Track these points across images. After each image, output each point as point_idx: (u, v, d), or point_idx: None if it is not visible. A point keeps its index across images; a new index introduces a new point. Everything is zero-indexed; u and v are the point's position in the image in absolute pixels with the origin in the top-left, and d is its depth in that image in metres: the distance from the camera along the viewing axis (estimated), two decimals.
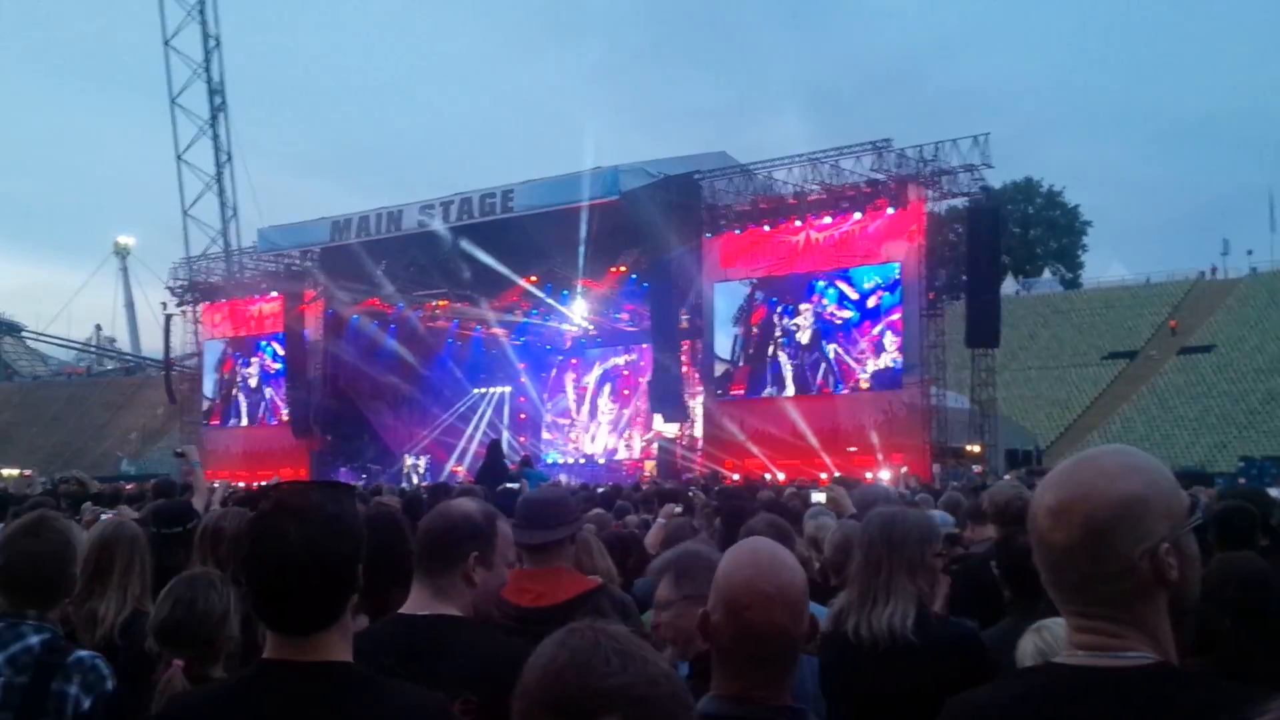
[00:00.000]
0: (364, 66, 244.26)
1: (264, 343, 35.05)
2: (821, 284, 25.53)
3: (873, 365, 24.91)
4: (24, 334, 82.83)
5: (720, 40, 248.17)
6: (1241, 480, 24.71)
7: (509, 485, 11.22)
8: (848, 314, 25.23)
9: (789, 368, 26.07)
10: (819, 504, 6.20)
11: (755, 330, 26.64)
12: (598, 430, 36.23)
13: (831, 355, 25.44)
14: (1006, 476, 18.97)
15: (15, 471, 43.16)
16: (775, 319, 26.34)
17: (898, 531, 3.62)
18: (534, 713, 1.42)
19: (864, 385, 24.95)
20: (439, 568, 2.88)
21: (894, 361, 24.60)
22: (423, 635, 2.75)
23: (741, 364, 26.81)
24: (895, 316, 24.58)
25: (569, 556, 3.92)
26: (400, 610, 2.85)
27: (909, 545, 3.60)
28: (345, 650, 2.07)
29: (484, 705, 2.33)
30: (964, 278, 26.77)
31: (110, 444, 59.18)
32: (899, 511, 3.87)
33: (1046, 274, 73.17)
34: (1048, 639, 2.95)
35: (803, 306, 25.81)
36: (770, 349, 26.39)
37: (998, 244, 26.84)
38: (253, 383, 35.56)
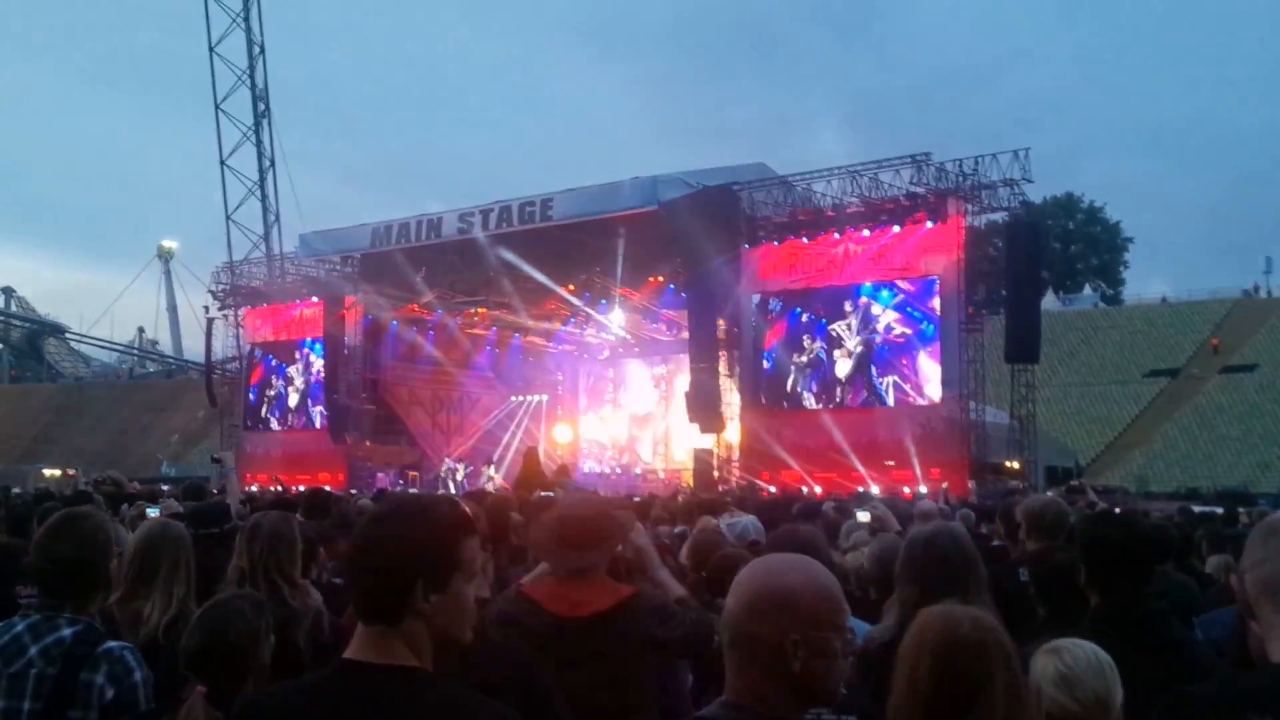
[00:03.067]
0: (408, 78, 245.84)
1: (304, 347, 35.33)
2: (869, 287, 25.43)
3: (917, 383, 24.82)
4: (67, 335, 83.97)
5: (764, 55, 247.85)
6: None
7: (545, 493, 11.22)
8: (897, 324, 25.11)
9: (812, 379, 26.06)
10: (862, 522, 6.14)
11: (784, 342, 26.56)
12: (633, 439, 36.23)
13: (871, 369, 25.35)
14: (1049, 493, 18.82)
15: (57, 471, 43.78)
16: (805, 338, 26.28)
17: (968, 547, 3.58)
18: None
19: (904, 401, 24.81)
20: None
21: (932, 375, 24.51)
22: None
23: (768, 379, 26.73)
24: (934, 330, 24.49)
25: (604, 568, 3.89)
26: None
27: (979, 560, 3.56)
28: (410, 657, 2.16)
29: None
30: (1004, 292, 26.61)
31: (151, 446, 59.79)
32: (956, 526, 3.83)
33: (1087, 290, 72.65)
34: (1068, 662, 2.79)
35: (848, 311, 25.67)
36: (798, 360, 26.33)
37: (1038, 259, 26.66)
38: (292, 387, 35.83)
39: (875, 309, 25.36)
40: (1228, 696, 1.95)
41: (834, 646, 2.07)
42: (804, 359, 26.32)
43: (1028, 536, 5.34)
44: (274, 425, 36.17)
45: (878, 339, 25.32)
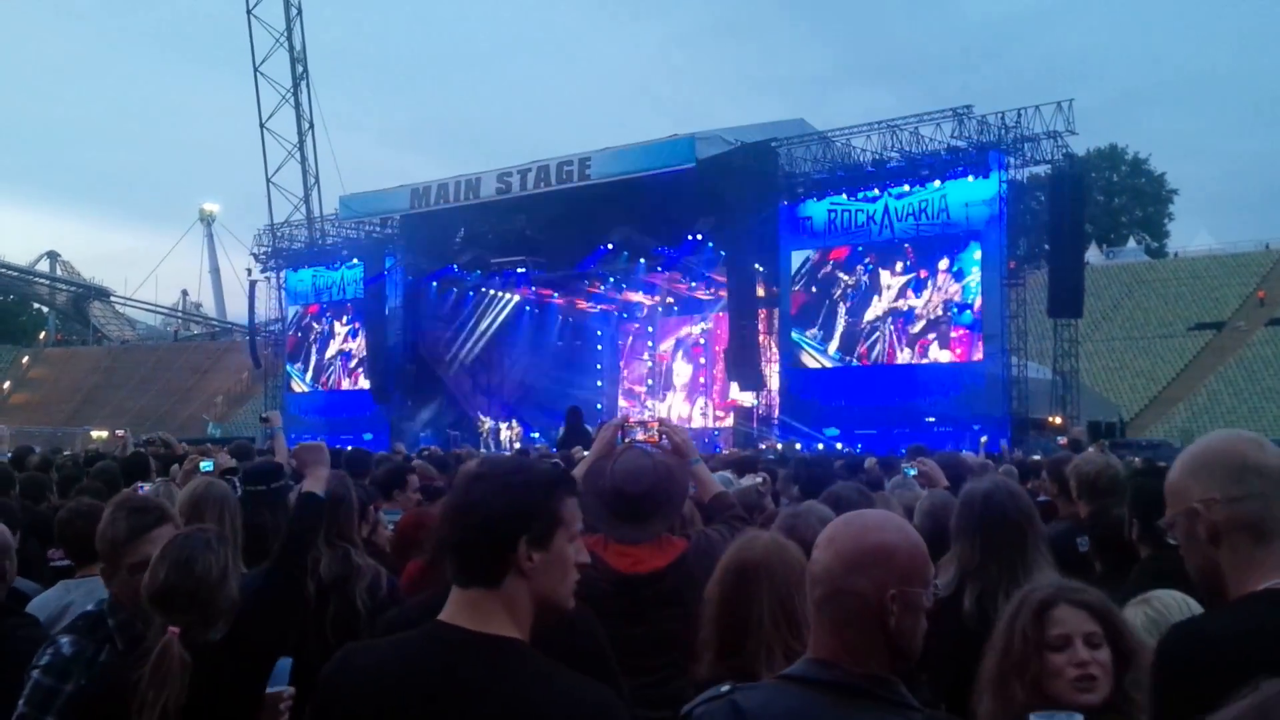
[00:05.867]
0: (446, 39, 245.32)
1: (345, 308, 35.59)
2: (910, 242, 25.26)
3: (959, 339, 24.72)
4: (113, 299, 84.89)
5: (804, 10, 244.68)
6: None
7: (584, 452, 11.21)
8: (939, 280, 24.96)
9: (849, 340, 26.06)
10: (909, 477, 6.13)
11: (823, 299, 26.50)
12: (674, 398, 36.29)
13: (916, 329, 25.24)
14: (1090, 449, 18.67)
15: (105, 433, 44.41)
16: (844, 295, 26.21)
17: (1025, 502, 3.57)
18: None
19: (945, 357, 24.74)
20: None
21: (974, 330, 24.38)
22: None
23: (808, 336, 26.70)
24: (976, 285, 24.33)
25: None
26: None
27: (1036, 515, 3.55)
28: (511, 625, 2.10)
29: None
30: (1046, 246, 26.33)
31: (196, 407, 60.47)
32: (1012, 483, 3.82)
33: (1131, 243, 71.66)
34: (1158, 608, 2.88)
35: (889, 267, 25.58)
36: (835, 324, 26.30)
37: (1081, 212, 26.33)
38: (334, 349, 36.14)
39: (916, 264, 25.21)
40: (1238, 629, 2.02)
41: (923, 602, 2.07)
42: (843, 317, 26.24)
43: (1078, 498, 5.26)
44: (317, 386, 36.54)
45: (919, 295, 25.19)
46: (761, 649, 2.68)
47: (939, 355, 24.94)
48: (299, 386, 37.02)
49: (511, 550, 2.10)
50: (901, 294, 25.43)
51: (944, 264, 24.88)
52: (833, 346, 26.36)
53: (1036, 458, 12.46)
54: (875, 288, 25.78)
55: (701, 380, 35.55)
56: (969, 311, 24.52)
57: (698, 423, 34.65)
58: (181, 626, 2.93)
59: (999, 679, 2.57)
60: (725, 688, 2.13)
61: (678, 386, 36.32)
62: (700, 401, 35.64)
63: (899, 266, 25.47)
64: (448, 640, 2.10)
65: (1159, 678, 2.10)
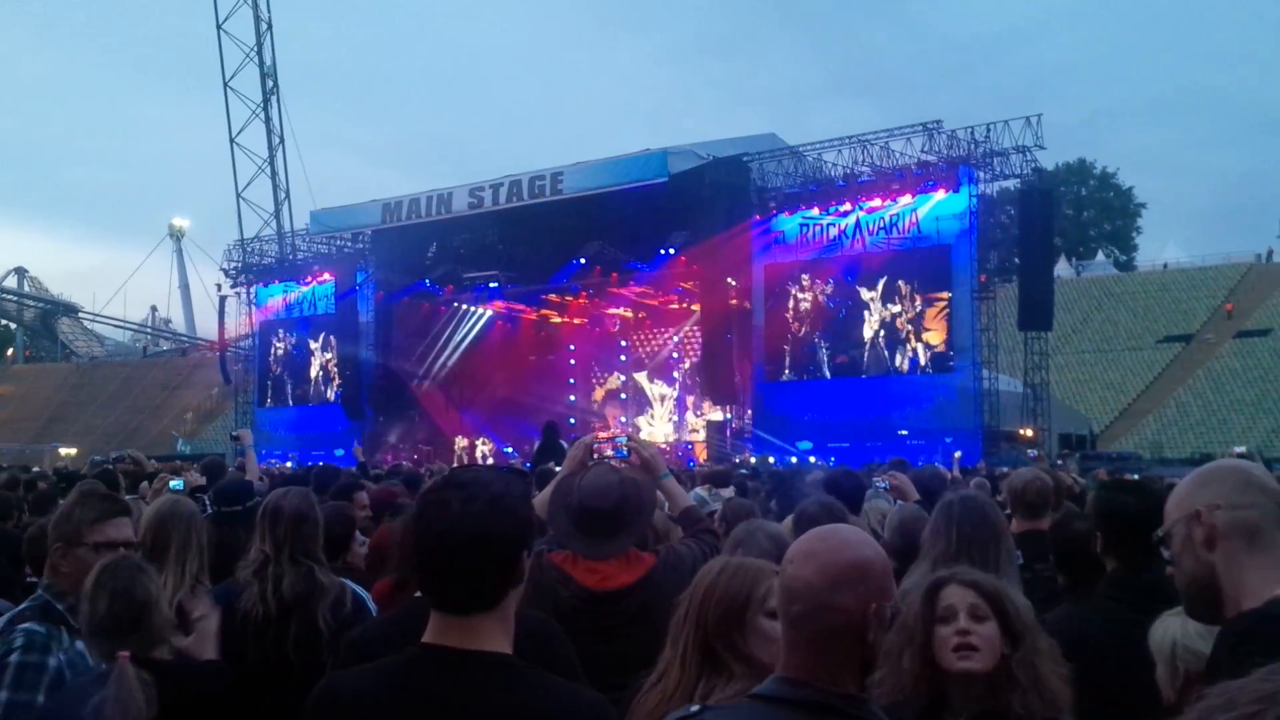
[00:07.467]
0: (419, 53, 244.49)
1: (316, 324, 35.43)
2: (881, 257, 25.41)
3: (924, 350, 24.87)
4: (81, 315, 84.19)
5: (784, 26, 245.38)
6: None
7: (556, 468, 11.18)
8: (908, 292, 25.11)
9: (825, 350, 26.18)
10: (880, 489, 6.16)
11: (795, 313, 26.61)
12: (648, 412, 36.26)
13: (882, 339, 25.38)
14: (1059, 461, 18.82)
15: (74, 450, 44.06)
16: (819, 301, 26.33)
17: (1000, 515, 3.63)
18: None
19: (920, 369, 24.88)
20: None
21: (944, 344, 24.52)
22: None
23: (786, 347, 26.81)
24: (946, 299, 24.49)
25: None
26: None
27: (1009, 533, 3.60)
28: (505, 640, 2.09)
29: None
30: (1016, 260, 26.52)
31: (166, 424, 59.95)
32: (984, 496, 3.89)
33: (1100, 256, 72.20)
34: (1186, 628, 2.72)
35: (858, 281, 25.72)
36: (810, 331, 26.40)
37: (1050, 226, 26.59)
38: (305, 364, 35.96)
39: (886, 278, 25.34)
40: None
41: (888, 615, 2.06)
42: (816, 329, 26.35)
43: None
44: (288, 402, 36.34)
45: (890, 308, 25.32)
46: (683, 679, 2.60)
47: (910, 368, 25.07)
48: (269, 402, 36.82)
49: (519, 567, 2.10)
50: (872, 307, 25.55)
51: (915, 277, 25.02)
52: (804, 360, 26.48)
53: (1004, 470, 12.56)
54: (846, 301, 25.91)
55: (675, 394, 35.55)
56: (939, 324, 24.66)
57: (671, 437, 34.64)
58: (130, 651, 2.88)
59: (893, 652, 2.68)
60: (695, 708, 2.10)
61: (651, 400, 36.29)
62: (674, 415, 35.63)
63: (870, 280, 25.59)
64: (441, 661, 2.06)
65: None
